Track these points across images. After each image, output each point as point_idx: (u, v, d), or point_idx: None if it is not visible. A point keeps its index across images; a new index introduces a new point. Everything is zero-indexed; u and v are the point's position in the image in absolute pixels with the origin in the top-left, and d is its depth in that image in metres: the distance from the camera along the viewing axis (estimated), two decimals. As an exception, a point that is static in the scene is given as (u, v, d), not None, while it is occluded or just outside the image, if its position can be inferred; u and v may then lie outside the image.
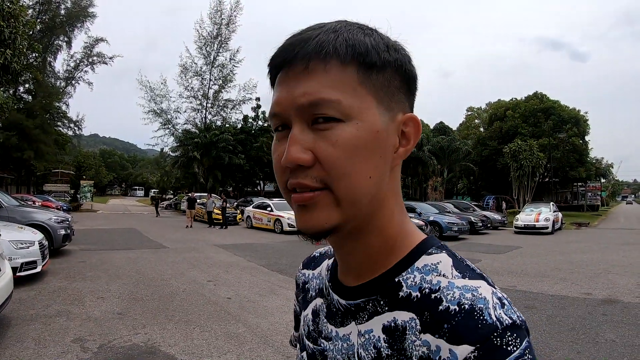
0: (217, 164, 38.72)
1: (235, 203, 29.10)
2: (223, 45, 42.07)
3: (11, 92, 30.39)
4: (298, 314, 0.85)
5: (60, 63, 38.96)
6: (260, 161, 40.32)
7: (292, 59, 0.56)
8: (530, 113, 41.95)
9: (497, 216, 25.56)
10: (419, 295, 0.58)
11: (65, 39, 39.36)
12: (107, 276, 8.40)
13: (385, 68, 0.58)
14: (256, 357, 4.45)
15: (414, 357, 0.54)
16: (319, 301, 0.74)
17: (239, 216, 24.23)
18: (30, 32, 10.02)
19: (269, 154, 38.06)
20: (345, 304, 0.65)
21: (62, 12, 38.26)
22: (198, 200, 25.95)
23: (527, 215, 22.06)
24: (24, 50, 9.42)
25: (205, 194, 27.47)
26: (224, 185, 40.86)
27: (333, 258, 0.74)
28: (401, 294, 0.59)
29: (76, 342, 4.74)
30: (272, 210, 20.06)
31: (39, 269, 7.66)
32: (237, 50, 44.47)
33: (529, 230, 21.10)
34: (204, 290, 7.33)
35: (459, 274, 0.58)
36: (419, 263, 0.61)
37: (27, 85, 34.36)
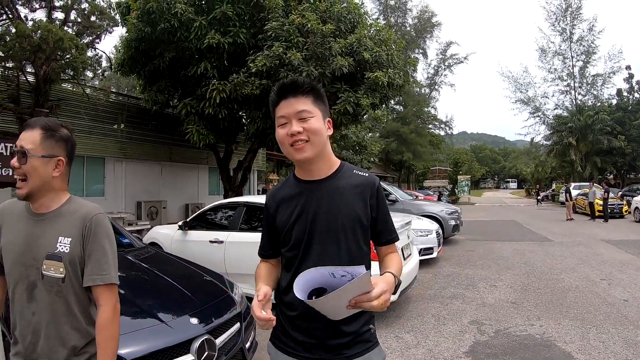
0: (594, 149, 34.88)
1: (620, 192, 25.56)
2: (576, 17, 37.58)
3: (384, 106, 35.45)
4: None
5: (420, 73, 43.55)
6: (643, 141, 33.94)
7: None
8: None
9: None
10: None
11: (420, 51, 43.02)
12: (496, 265, 8.84)
13: None
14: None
15: None
16: None
17: (624, 207, 21.15)
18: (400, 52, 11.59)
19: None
20: None
21: (408, 28, 41.96)
22: (579, 191, 24.43)
23: None
24: (402, 67, 10.92)
25: (587, 184, 25.07)
26: (602, 173, 36.36)
27: None
28: None
29: (473, 324, 5.19)
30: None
31: (434, 254, 8.76)
32: (594, 19, 39.21)
33: None
34: (597, 289, 6.84)
35: None
36: None
37: (396, 98, 39.28)
